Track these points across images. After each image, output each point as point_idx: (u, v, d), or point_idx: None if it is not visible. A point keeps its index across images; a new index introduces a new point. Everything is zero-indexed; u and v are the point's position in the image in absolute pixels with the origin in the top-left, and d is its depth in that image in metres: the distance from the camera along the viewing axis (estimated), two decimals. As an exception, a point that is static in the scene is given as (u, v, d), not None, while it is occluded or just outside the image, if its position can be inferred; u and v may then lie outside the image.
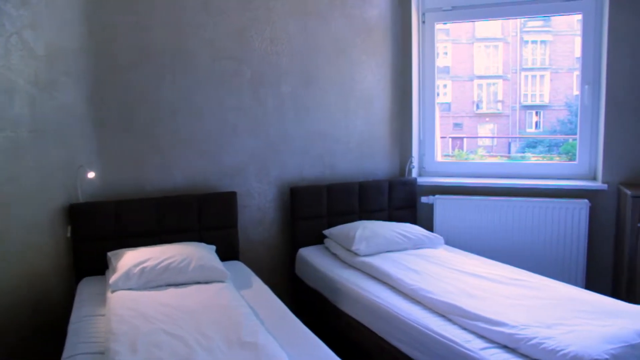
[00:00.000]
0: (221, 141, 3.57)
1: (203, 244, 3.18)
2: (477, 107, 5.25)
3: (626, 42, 3.71)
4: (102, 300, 2.66)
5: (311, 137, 3.92)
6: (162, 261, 2.78)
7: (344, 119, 4.06)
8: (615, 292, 3.77)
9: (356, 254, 3.33)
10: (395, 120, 4.34)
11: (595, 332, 2.11)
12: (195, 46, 3.43)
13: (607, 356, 1.91)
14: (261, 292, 2.87)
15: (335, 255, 3.53)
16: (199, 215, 3.38)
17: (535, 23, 5.01)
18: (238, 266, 3.31)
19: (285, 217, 3.87)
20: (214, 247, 3.22)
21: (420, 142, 4.42)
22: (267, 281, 3.09)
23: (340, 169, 4.08)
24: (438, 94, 4.77)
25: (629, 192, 3.44)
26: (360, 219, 3.93)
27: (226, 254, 3.40)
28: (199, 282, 2.78)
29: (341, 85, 4.03)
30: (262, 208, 3.76)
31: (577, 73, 4.04)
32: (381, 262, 3.14)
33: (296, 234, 3.78)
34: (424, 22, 4.34)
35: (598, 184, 3.84)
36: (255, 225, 3.76)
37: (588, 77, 3.95)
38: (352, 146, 4.11)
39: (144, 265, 2.73)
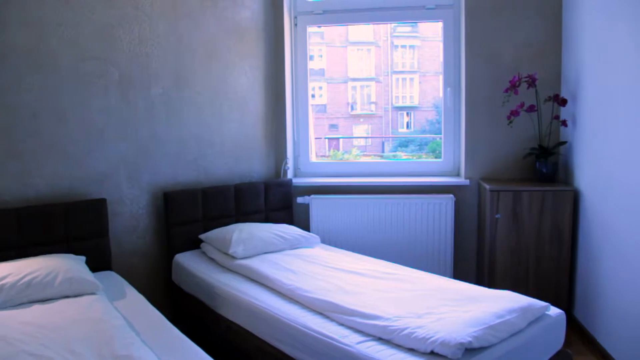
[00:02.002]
0: (88, 145, 3.37)
1: (71, 255, 2.99)
2: (352, 108, 5.39)
3: (481, 48, 4.02)
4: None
5: (184, 140, 3.83)
6: (24, 276, 2.57)
7: (218, 121, 4.02)
8: (479, 279, 4.06)
9: (233, 257, 3.31)
10: (270, 122, 4.36)
11: (460, 317, 2.26)
12: (56, 45, 3.19)
13: (470, 339, 2.05)
14: (136, 302, 2.76)
15: (212, 260, 3.48)
16: (65, 225, 3.17)
17: (404, 29, 5.23)
18: (111, 276, 3.15)
19: (159, 223, 3.74)
20: (83, 258, 3.04)
21: (295, 143, 4.49)
22: (142, 290, 2.98)
23: (216, 172, 4.02)
24: (313, 96, 4.85)
25: (487, 186, 3.72)
26: (237, 221, 3.91)
27: (97, 264, 3.23)
28: (67, 296, 2.61)
29: (214, 88, 3.98)
30: (134, 215, 3.62)
31: (441, 76, 4.31)
32: (258, 264, 3.15)
33: (172, 240, 3.67)
34: (296, 25, 4.40)
35: (461, 180, 4.12)
36: (128, 233, 3.60)
37: (449, 80, 4.22)
38: (226, 149, 4.08)
39: (3, 282, 2.51)
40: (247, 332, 2.77)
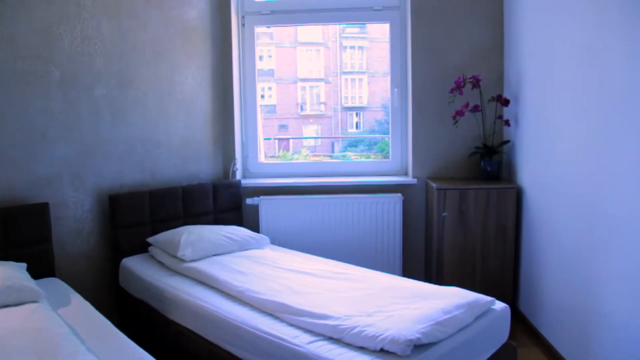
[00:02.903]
0: (29, 148, 3.24)
1: (11, 263, 2.87)
2: (302, 108, 5.39)
3: (427, 50, 4.10)
4: None
5: (130, 141, 3.75)
6: (-42, 287, 2.46)
7: (164, 122, 3.95)
8: (427, 276, 4.14)
9: (182, 260, 3.26)
10: (218, 123, 4.32)
11: (409, 315, 2.30)
12: (-8, 43, 3.08)
13: (418, 335, 2.10)
14: (81, 308, 2.67)
15: (161, 263, 3.42)
16: (5, 231, 3.04)
17: (352, 30, 5.28)
18: (55, 283, 3.04)
19: (106, 226, 3.65)
20: (24, 265, 2.92)
21: (244, 144, 4.46)
22: (88, 296, 2.89)
23: (163, 173, 3.95)
24: (263, 96, 4.83)
25: (434, 185, 3.79)
26: (186, 224, 3.85)
27: (40, 271, 3.12)
28: (7, 306, 2.49)
29: (161, 88, 3.91)
30: (79, 219, 3.51)
31: (389, 77, 4.37)
32: (208, 267, 3.12)
33: (119, 243, 3.59)
34: (243, 25, 4.37)
35: (409, 179, 4.19)
36: (73, 237, 3.49)
37: (397, 80, 4.28)
38: (174, 150, 4.01)
39: (-63, 291, 2.41)
40: (197, 335, 2.74)
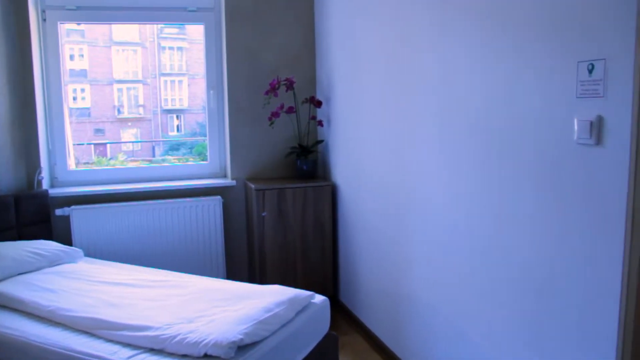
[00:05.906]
0: None
1: None
2: (119, 111, 5.12)
3: (242, 52, 4.13)
4: None
5: None
6: None
7: (-48, 128, 3.49)
8: (251, 276, 4.17)
9: (-21, 284, 2.92)
10: (18, 128, 3.90)
11: (231, 317, 2.31)
12: None
13: (241, 336, 2.11)
14: None
15: (-48, 290, 3.02)
16: None
17: (171, 30, 5.13)
18: None
19: None
20: None
21: (50, 151, 4.10)
22: None
23: (-47, 187, 3.49)
24: (75, 99, 4.50)
25: (253, 186, 3.84)
26: (-17, 242, 3.44)
27: None
28: None
29: (-55, 90, 3.45)
30: None
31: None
32: (11, 287, 2.83)
33: None
34: (44, 20, 4.02)
35: (228, 181, 4.19)
36: None
37: (212, 82, 4.26)
38: (-35, 160, 3.56)
39: None
40: (-1, 366, 2.47)
